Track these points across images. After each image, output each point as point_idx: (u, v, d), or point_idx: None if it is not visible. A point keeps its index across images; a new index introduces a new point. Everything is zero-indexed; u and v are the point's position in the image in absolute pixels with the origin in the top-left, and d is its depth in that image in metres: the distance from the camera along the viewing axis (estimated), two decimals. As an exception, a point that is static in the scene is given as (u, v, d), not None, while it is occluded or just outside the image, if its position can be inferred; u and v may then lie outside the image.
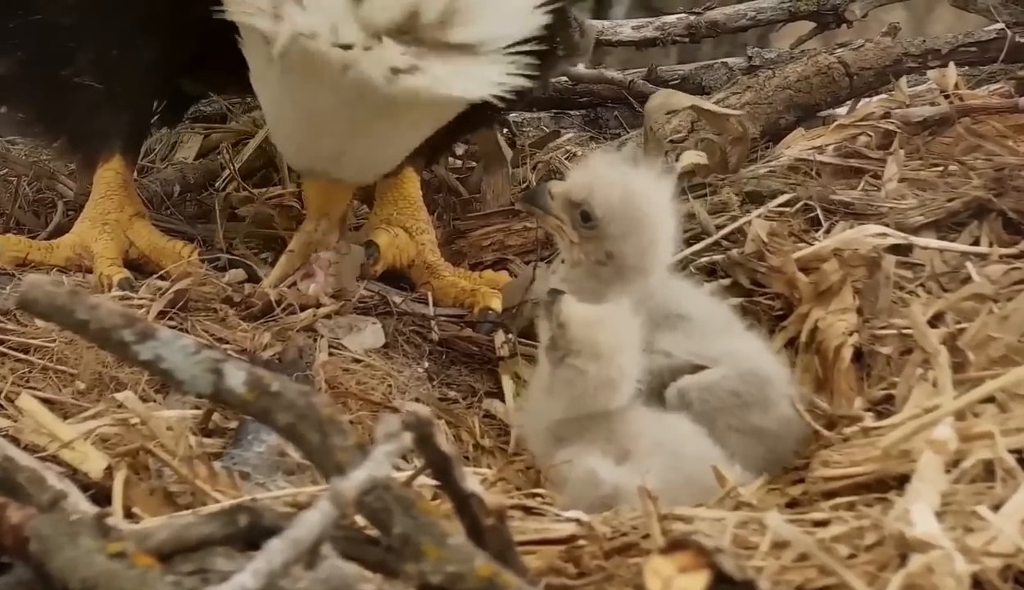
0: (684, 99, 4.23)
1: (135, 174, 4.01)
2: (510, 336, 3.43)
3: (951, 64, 4.46)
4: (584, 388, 2.90)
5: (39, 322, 3.11)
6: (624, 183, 3.18)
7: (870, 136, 4.10)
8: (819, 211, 3.69)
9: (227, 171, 4.42)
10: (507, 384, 3.37)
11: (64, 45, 3.54)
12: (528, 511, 2.66)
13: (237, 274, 3.51)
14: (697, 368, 3.00)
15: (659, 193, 3.21)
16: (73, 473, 2.59)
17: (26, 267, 3.59)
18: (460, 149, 4.40)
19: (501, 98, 3.24)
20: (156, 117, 3.97)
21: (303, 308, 3.39)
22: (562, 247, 3.25)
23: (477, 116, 3.82)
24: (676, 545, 2.11)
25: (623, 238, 3.15)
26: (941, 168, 3.86)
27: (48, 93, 3.65)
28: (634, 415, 2.93)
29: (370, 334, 3.41)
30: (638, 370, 2.93)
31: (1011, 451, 2.54)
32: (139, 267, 3.64)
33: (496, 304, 3.58)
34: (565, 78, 5.07)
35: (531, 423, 3.07)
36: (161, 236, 3.72)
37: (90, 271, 3.59)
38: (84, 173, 3.90)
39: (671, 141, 4.11)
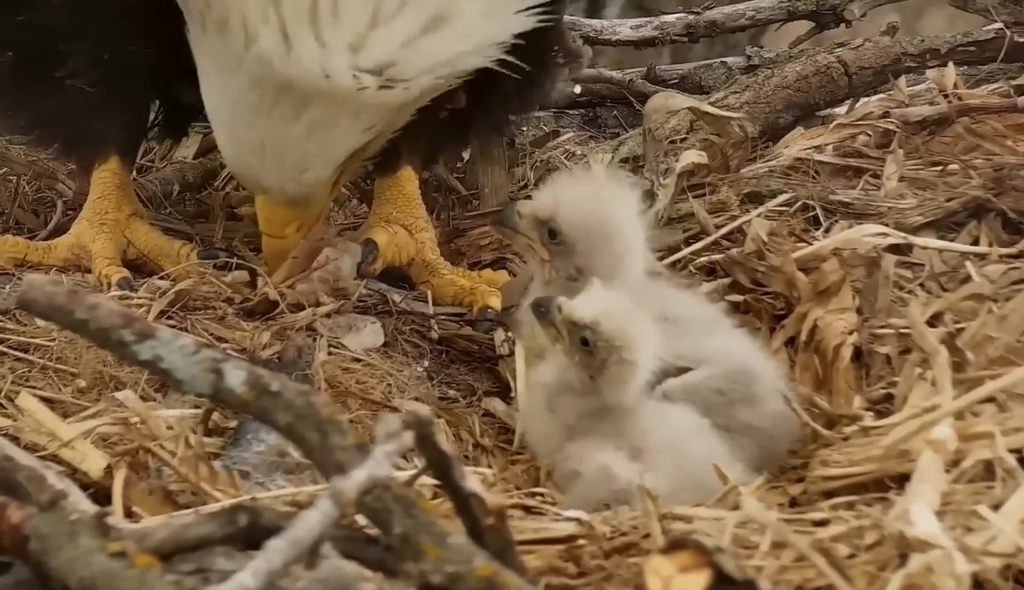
0: (683, 101, 4.23)
1: (134, 173, 4.02)
2: (510, 334, 3.42)
3: (950, 64, 4.46)
4: (630, 376, 2.92)
5: (39, 321, 3.11)
6: (588, 198, 3.20)
7: (869, 136, 4.10)
8: (818, 211, 3.69)
9: (226, 170, 4.42)
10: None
11: (57, 48, 3.54)
12: (528, 510, 2.67)
13: (240, 276, 3.50)
14: (681, 370, 3.00)
15: (626, 204, 3.22)
16: (73, 472, 2.59)
17: (24, 267, 3.59)
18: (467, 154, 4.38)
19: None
20: (157, 127, 3.95)
21: (302, 307, 3.39)
22: (534, 265, 3.27)
23: (482, 122, 3.82)
24: (676, 545, 2.11)
25: (591, 252, 3.17)
26: (940, 168, 3.86)
27: (43, 96, 3.64)
28: (644, 411, 2.93)
29: (369, 333, 3.40)
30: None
31: (1011, 451, 2.55)
32: (138, 267, 3.65)
33: (495, 303, 3.57)
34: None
35: (539, 424, 3.06)
36: (160, 235, 3.72)
37: (89, 271, 3.59)
38: (81, 175, 3.91)
39: (670, 141, 4.11)
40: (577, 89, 5.07)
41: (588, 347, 2.93)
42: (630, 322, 2.94)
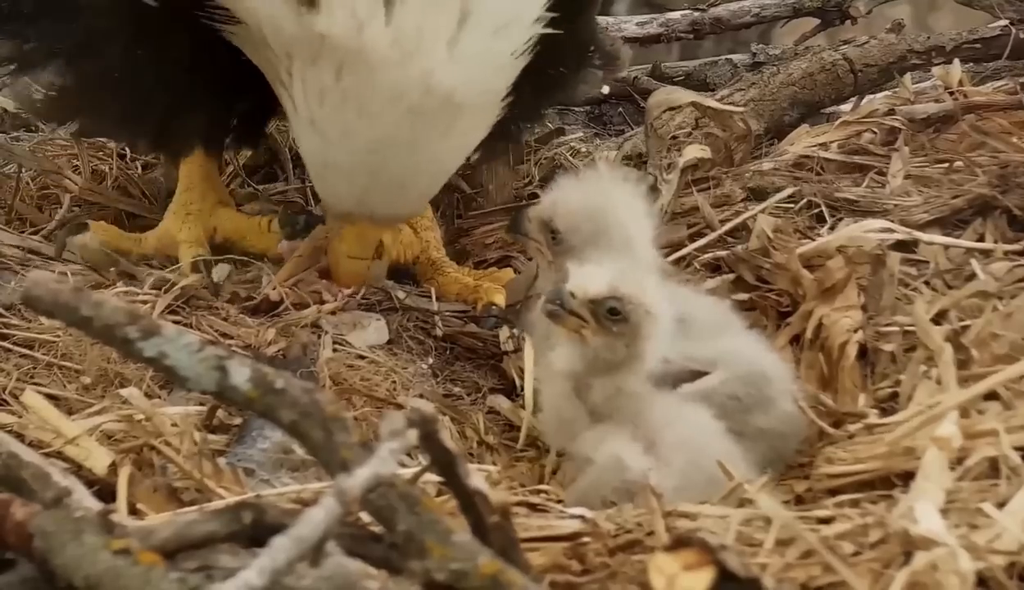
0: (686, 96, 4.23)
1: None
2: (515, 331, 3.43)
3: (955, 61, 4.46)
4: (659, 327, 2.94)
5: (43, 318, 3.11)
6: (581, 193, 3.22)
7: (875, 133, 4.10)
8: (823, 208, 3.68)
9: (231, 167, 4.43)
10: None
11: (139, 58, 3.53)
12: (532, 508, 2.66)
13: (221, 270, 3.55)
14: (696, 373, 2.99)
15: (624, 198, 3.24)
16: (78, 469, 2.59)
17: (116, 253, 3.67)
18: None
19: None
20: (231, 137, 3.97)
21: (307, 304, 3.39)
22: (543, 268, 3.30)
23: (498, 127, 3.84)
24: (680, 542, 2.11)
25: (585, 246, 3.18)
26: (946, 165, 3.86)
27: (127, 95, 3.64)
28: (663, 405, 2.94)
29: (374, 330, 3.41)
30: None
31: (1015, 448, 2.54)
32: (226, 250, 3.73)
33: (499, 300, 3.57)
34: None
35: (562, 408, 3.05)
36: (243, 216, 3.83)
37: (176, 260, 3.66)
38: (170, 167, 4.05)
39: (672, 137, 4.11)
40: (606, 89, 5.07)
41: (619, 315, 2.93)
42: (636, 277, 2.98)
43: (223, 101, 3.70)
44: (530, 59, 3.23)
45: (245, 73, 3.36)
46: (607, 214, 3.21)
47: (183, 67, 3.48)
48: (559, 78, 3.63)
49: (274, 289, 3.43)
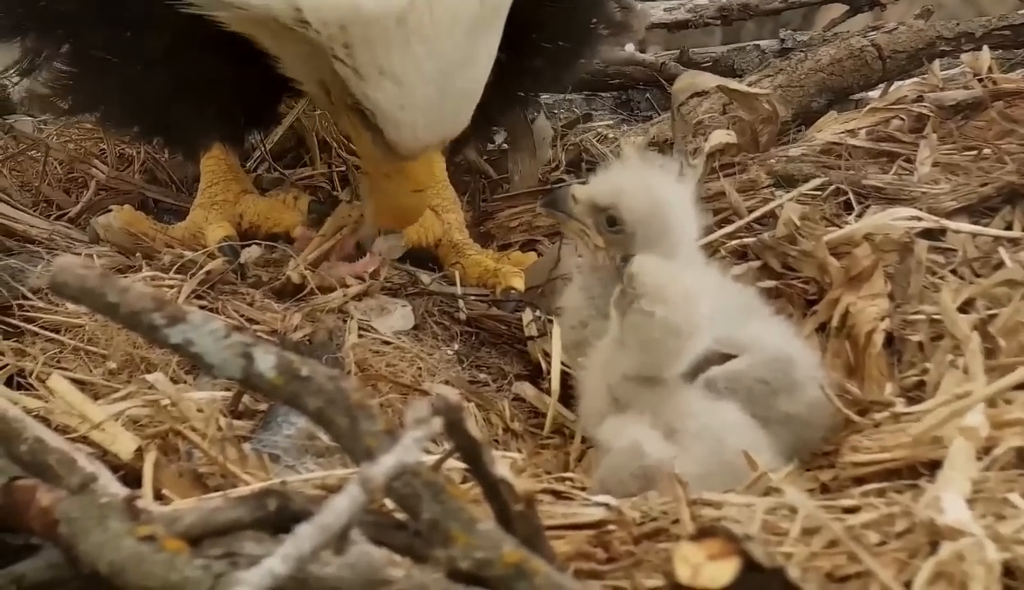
0: (711, 80, 4.23)
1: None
2: (537, 314, 3.42)
3: (984, 47, 4.43)
4: (650, 332, 2.91)
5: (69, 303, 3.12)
6: (650, 187, 3.19)
7: (903, 120, 4.08)
8: (851, 195, 3.66)
9: (258, 152, 4.43)
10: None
11: (148, 55, 3.53)
12: (557, 495, 2.65)
13: (251, 252, 3.55)
14: (724, 357, 2.99)
15: (681, 192, 3.22)
16: (103, 455, 2.58)
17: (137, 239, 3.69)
18: (499, 137, 4.38)
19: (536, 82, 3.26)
20: (246, 120, 3.97)
21: (333, 289, 3.40)
22: (583, 251, 3.26)
23: (505, 97, 3.82)
24: (705, 532, 2.11)
25: (650, 240, 3.15)
26: (974, 152, 3.83)
27: (140, 95, 3.64)
28: (688, 396, 2.93)
29: (400, 316, 3.41)
30: (705, 332, 2.96)
31: (1042, 438, 2.53)
32: (253, 236, 3.75)
33: (518, 283, 3.57)
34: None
35: (592, 379, 3.07)
36: (267, 200, 3.86)
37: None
38: (191, 163, 4.08)
39: (697, 122, 4.10)
40: (630, 47, 5.06)
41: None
42: (667, 280, 2.96)
43: (232, 90, 3.70)
44: (528, 36, 3.24)
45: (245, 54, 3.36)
46: (673, 210, 3.19)
47: (184, 60, 3.48)
48: (561, 52, 3.63)
49: (295, 270, 3.43)
